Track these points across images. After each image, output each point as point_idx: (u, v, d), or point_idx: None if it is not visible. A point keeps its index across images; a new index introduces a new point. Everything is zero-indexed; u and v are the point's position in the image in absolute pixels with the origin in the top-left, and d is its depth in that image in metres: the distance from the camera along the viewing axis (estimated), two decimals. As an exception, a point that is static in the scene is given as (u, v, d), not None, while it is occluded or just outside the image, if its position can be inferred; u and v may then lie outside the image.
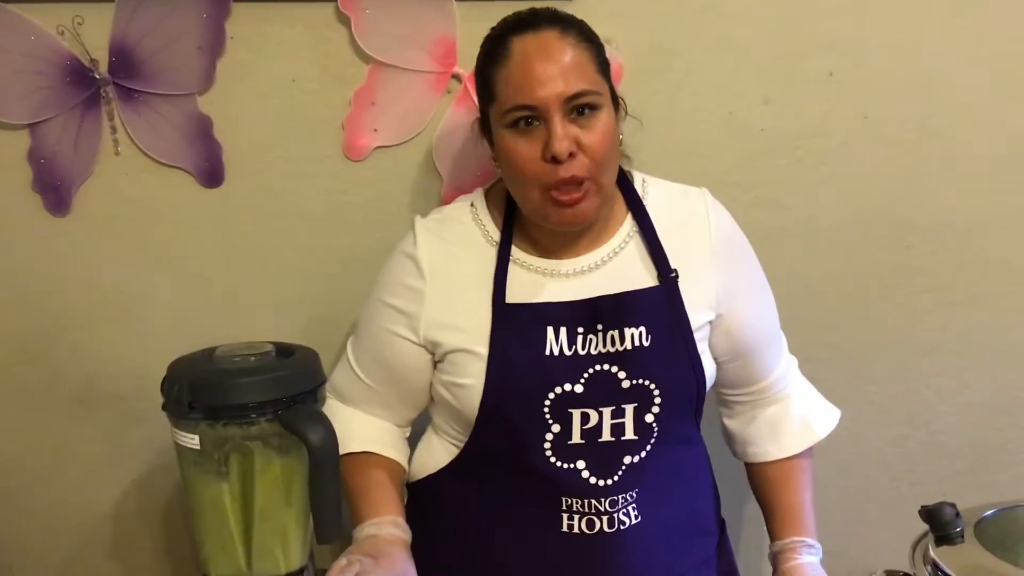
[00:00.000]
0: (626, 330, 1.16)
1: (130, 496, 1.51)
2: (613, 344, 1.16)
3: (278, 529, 1.04)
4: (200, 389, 0.99)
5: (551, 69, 1.09)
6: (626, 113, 1.20)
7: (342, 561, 1.05)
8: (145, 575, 1.55)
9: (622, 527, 1.18)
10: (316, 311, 1.45)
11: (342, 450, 1.12)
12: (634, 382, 1.16)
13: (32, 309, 1.42)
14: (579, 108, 1.10)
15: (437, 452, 1.24)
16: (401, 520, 1.18)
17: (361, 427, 1.23)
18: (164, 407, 1.02)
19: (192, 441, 1.00)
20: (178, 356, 1.10)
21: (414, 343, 1.19)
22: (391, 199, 1.44)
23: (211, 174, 1.40)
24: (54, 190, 1.38)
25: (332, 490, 1.01)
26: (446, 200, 1.41)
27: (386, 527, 1.15)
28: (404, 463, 1.26)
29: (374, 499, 1.18)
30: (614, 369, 1.16)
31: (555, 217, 1.14)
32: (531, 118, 1.11)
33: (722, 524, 1.36)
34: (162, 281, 1.43)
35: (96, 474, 1.49)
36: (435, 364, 1.21)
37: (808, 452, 1.31)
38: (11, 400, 1.45)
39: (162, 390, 1.02)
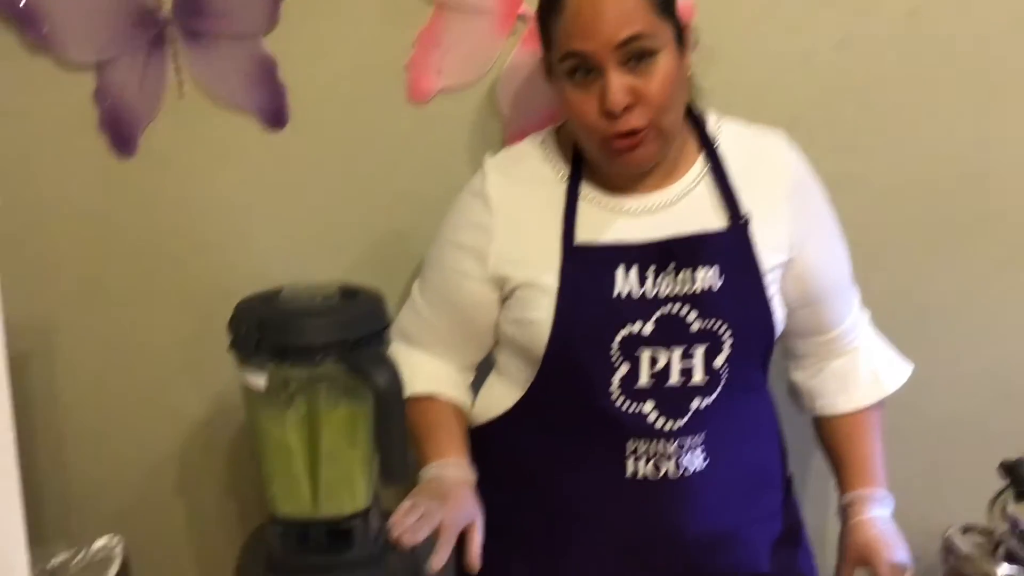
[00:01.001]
0: (698, 271, 1.15)
1: (196, 437, 1.53)
2: (684, 285, 1.15)
3: (344, 471, 1.04)
4: (267, 329, 0.99)
5: (603, 14, 1.07)
6: (696, 43, 1.17)
7: (406, 504, 1.05)
8: (209, 514, 1.57)
9: (687, 473, 1.17)
10: (379, 253, 1.44)
11: (407, 392, 1.11)
12: (704, 324, 1.15)
13: (97, 251, 1.43)
14: (635, 55, 1.08)
15: (500, 396, 1.24)
16: (465, 461, 1.18)
17: (426, 369, 1.23)
18: (231, 346, 1.02)
19: (259, 381, 1.00)
20: (242, 297, 1.10)
21: (483, 280, 1.18)
22: (454, 142, 1.43)
23: (275, 116, 1.40)
24: (120, 131, 1.38)
25: (398, 432, 1.01)
26: (508, 143, 1.39)
27: (451, 468, 1.15)
28: (468, 407, 1.26)
29: (439, 441, 1.18)
30: (684, 310, 1.14)
31: (615, 164, 1.15)
32: (587, 68, 1.09)
33: (789, 480, 1.33)
34: (225, 223, 1.43)
35: (163, 415, 1.51)
36: (502, 302, 1.20)
37: (878, 405, 1.29)
38: (81, 347, 1.46)
39: (229, 330, 1.02)
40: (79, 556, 1.10)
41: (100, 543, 1.11)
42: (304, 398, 1.01)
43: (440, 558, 1.05)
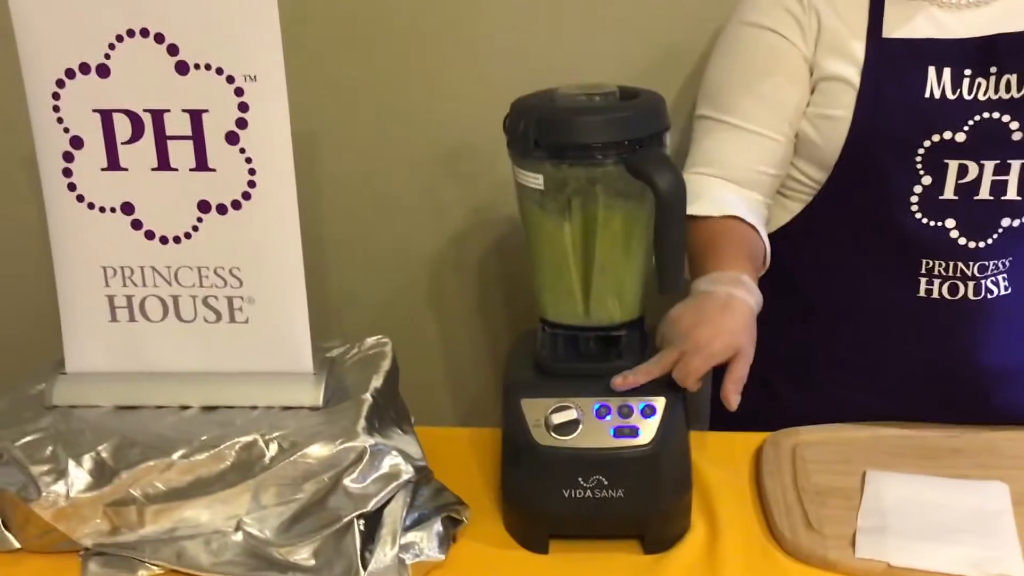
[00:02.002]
0: None
1: (447, 250, 1.56)
2: (1008, 90, 1.03)
3: (616, 279, 1.02)
4: (545, 126, 0.96)
5: None
6: None
7: (664, 358, 0.98)
8: (457, 325, 1.61)
9: (989, 296, 1.07)
10: (645, 58, 1.38)
11: (693, 211, 1.06)
12: None
13: (361, 58, 1.44)
14: None
15: (777, 209, 1.16)
16: (748, 278, 1.03)
17: (723, 190, 1.13)
18: (508, 144, 0.99)
19: (536, 181, 0.98)
20: (515, 98, 1.06)
21: (800, 55, 1.08)
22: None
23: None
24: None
25: (677, 240, 0.96)
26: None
27: (725, 285, 1.02)
28: (766, 241, 1.13)
29: (723, 254, 1.06)
30: (1005, 118, 1.03)
31: None
32: None
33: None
34: (483, 30, 1.40)
35: (416, 227, 1.54)
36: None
37: None
38: (343, 154, 1.49)
39: (505, 128, 0.99)
40: (354, 350, 1.13)
41: (372, 340, 1.14)
42: (580, 202, 0.98)
43: (634, 379, 0.97)
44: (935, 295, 1.09)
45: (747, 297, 1.02)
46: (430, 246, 1.55)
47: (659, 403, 0.99)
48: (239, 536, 0.98)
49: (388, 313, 1.59)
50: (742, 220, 1.11)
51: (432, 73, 1.43)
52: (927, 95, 1.04)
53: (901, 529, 0.99)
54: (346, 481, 0.96)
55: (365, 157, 1.49)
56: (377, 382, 1.07)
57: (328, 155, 1.49)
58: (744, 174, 1.14)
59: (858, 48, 1.06)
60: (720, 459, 1.13)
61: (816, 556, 0.97)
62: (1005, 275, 1.09)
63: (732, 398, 0.97)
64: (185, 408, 1.03)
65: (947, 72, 1.04)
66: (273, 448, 0.97)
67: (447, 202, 1.51)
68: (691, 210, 1.10)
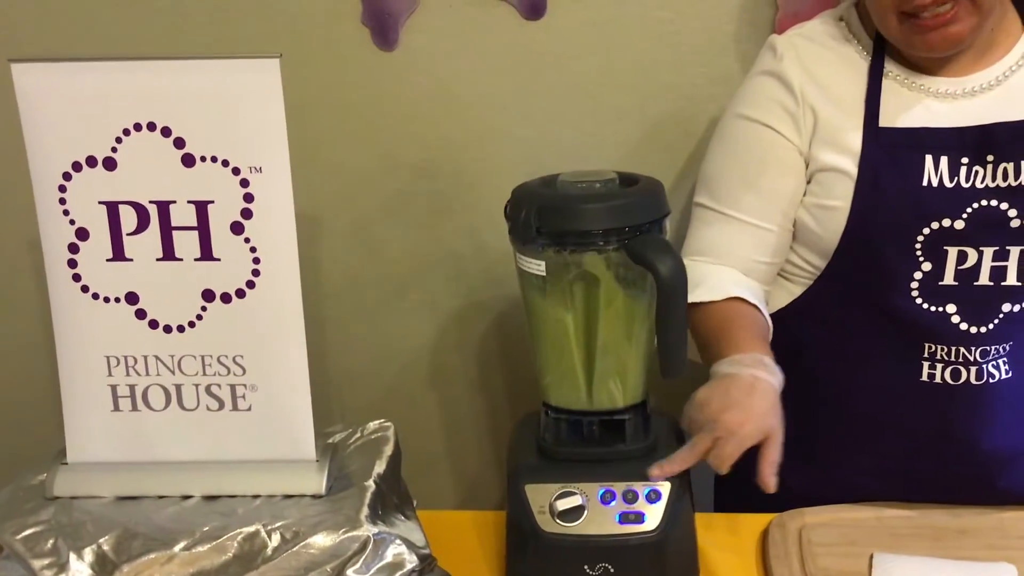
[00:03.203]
0: (1023, 163, 1.03)
1: (448, 332, 1.56)
2: (1005, 178, 1.04)
3: (619, 363, 1.02)
4: (547, 213, 0.97)
5: None
6: None
7: (697, 445, 0.98)
8: (459, 405, 1.60)
9: (991, 380, 1.08)
10: (643, 145, 1.40)
11: (698, 297, 1.07)
12: None
13: (362, 144, 1.46)
14: None
15: (778, 292, 1.17)
16: (770, 360, 1.04)
17: (724, 275, 1.14)
18: (510, 232, 1.00)
19: (538, 267, 0.99)
20: (514, 186, 1.08)
21: (794, 147, 1.10)
22: (718, 30, 1.35)
23: (533, 6, 1.36)
24: (382, 23, 1.39)
25: (678, 323, 0.97)
26: (780, 30, 1.30)
27: (748, 367, 1.02)
28: (769, 321, 1.14)
29: (736, 336, 1.06)
30: (1004, 206, 1.04)
31: (919, 43, 1.03)
32: None
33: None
34: (483, 116, 1.42)
35: (416, 306, 1.54)
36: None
37: None
38: (344, 236, 1.50)
39: (506, 215, 1.00)
40: (356, 435, 1.13)
41: (374, 425, 1.14)
42: (582, 287, 0.99)
43: (670, 468, 0.98)
44: (937, 380, 1.09)
45: (771, 378, 1.02)
46: (430, 326, 1.56)
47: (664, 488, 0.99)
48: (243, 629, 0.96)
49: (389, 394, 1.59)
50: (745, 301, 1.12)
51: (433, 157, 1.45)
52: (925, 183, 1.05)
53: (912, 614, 0.98)
54: (350, 571, 0.95)
55: (365, 239, 1.50)
56: (380, 468, 1.07)
57: (329, 237, 1.50)
58: (741, 263, 1.16)
59: (855, 139, 1.07)
60: (726, 542, 1.12)
61: (827, 643, 0.96)
62: (1006, 359, 1.09)
63: (770, 481, 0.97)
64: (187, 497, 1.02)
65: (944, 160, 1.05)
66: (276, 538, 0.96)
67: (447, 283, 1.52)
68: (694, 297, 1.11)
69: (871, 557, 1.07)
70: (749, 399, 0.99)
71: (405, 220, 1.48)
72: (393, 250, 1.51)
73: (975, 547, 1.09)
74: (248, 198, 0.96)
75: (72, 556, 0.95)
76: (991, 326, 1.07)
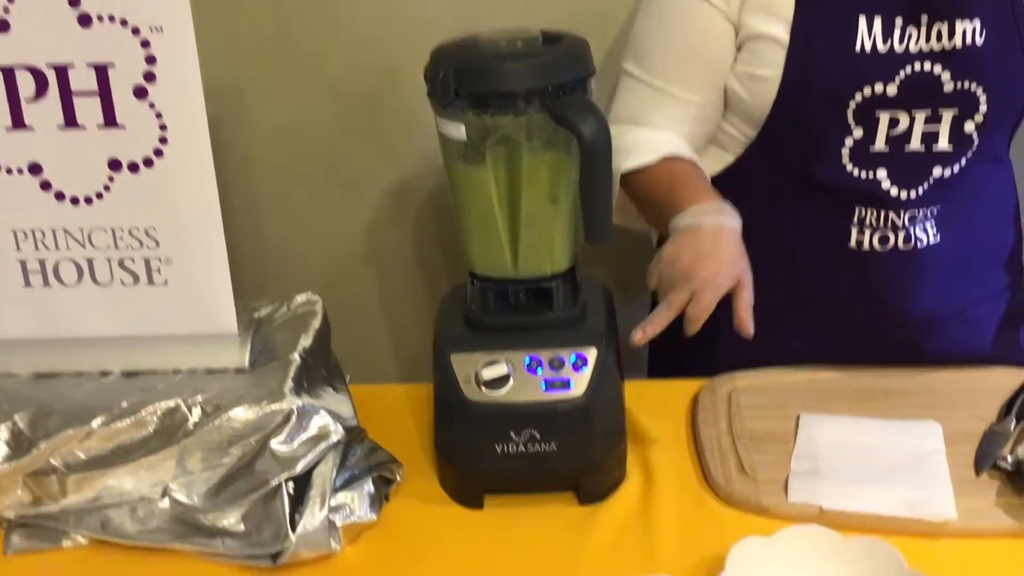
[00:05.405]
0: (957, 23, 1.01)
1: (384, 207, 1.53)
2: (939, 39, 1.01)
3: (544, 230, 0.99)
4: (466, 75, 0.93)
5: None
6: None
7: (674, 301, 0.95)
8: (397, 281, 1.58)
9: (919, 245, 1.07)
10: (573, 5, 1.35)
11: (634, 162, 1.05)
12: (959, 85, 1.02)
13: (282, 7, 1.39)
14: None
15: (708, 159, 1.15)
16: (728, 206, 1.02)
17: (659, 138, 1.12)
18: (429, 94, 0.96)
19: (458, 132, 0.95)
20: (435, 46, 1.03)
21: (724, 16, 1.06)
22: None
23: None
24: None
25: (603, 187, 0.94)
26: None
27: (710, 215, 0.99)
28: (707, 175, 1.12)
29: (688, 190, 1.03)
30: (936, 69, 1.02)
31: None
32: None
33: (1021, 265, 1.22)
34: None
35: (350, 181, 1.51)
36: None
37: None
38: (269, 110, 1.45)
39: (425, 77, 0.96)
40: (282, 309, 1.11)
41: (301, 298, 1.12)
42: (504, 152, 0.96)
43: (652, 329, 0.95)
44: (865, 246, 1.08)
45: (733, 223, 1.01)
46: (365, 201, 1.52)
47: (591, 354, 0.98)
48: (166, 503, 0.96)
49: (326, 273, 1.56)
50: (682, 158, 1.10)
51: (347, 25, 1.39)
52: (858, 48, 1.02)
53: (834, 472, 0.99)
54: (273, 444, 0.94)
55: (294, 109, 1.45)
56: (306, 341, 1.05)
57: (257, 108, 1.45)
58: (673, 125, 1.14)
59: (786, 4, 1.04)
60: (657, 408, 1.13)
61: (749, 502, 0.97)
62: (933, 223, 1.08)
63: (749, 325, 0.95)
64: (105, 374, 1.00)
65: (878, 21, 1.02)
66: (196, 412, 0.95)
67: (380, 155, 1.48)
68: (629, 163, 1.10)
69: (798, 418, 1.08)
70: (717, 248, 0.97)
71: (334, 89, 1.43)
72: (322, 122, 1.46)
73: (902, 406, 1.10)
74: (150, 60, 0.92)
75: (-15, 433, 0.93)
76: (921, 191, 1.06)
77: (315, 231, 1.55)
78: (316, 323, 1.09)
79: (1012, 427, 1.04)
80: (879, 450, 1.02)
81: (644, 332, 0.95)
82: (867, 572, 0.82)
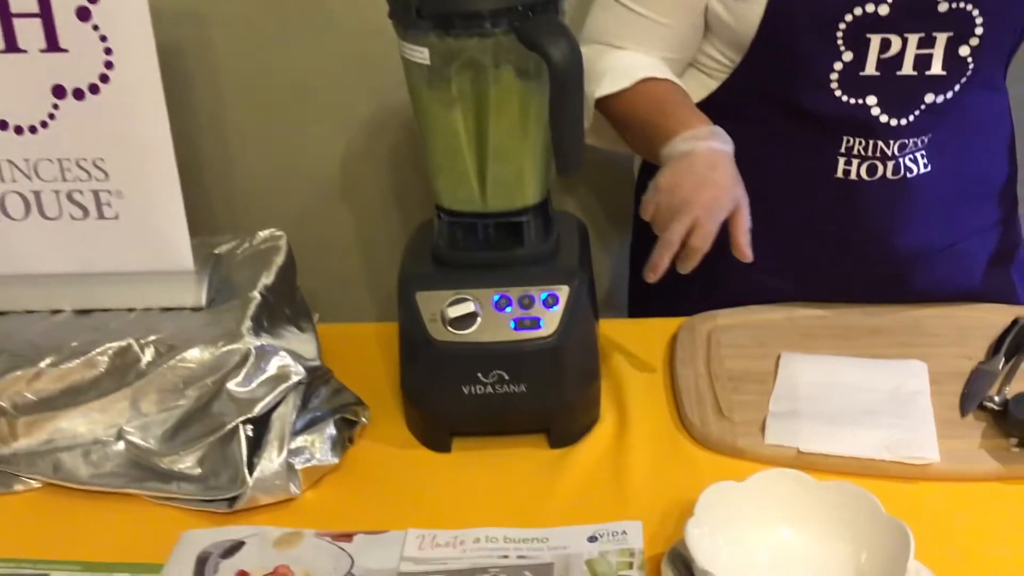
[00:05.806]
0: None
1: (357, 139, 1.47)
2: None
3: (514, 163, 0.95)
4: (429, -6, 0.87)
5: None
6: None
7: (676, 231, 0.90)
8: (373, 216, 1.54)
9: (908, 175, 1.02)
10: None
11: (610, 87, 1.00)
12: (954, 5, 0.96)
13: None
14: None
15: (690, 85, 1.09)
16: (720, 129, 0.98)
17: (637, 60, 1.07)
18: (390, 15, 0.91)
19: (422, 56, 0.90)
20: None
21: None
22: None
23: None
24: None
25: (574, 115, 0.89)
26: None
27: (704, 140, 0.95)
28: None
29: (677, 114, 0.99)
30: None
31: None
32: None
33: (1015, 198, 1.17)
34: None
35: (324, 119, 1.45)
36: None
37: None
38: (238, 38, 1.39)
39: (387, -2, 0.91)
40: (244, 244, 1.06)
41: (264, 234, 1.07)
42: (470, 77, 0.90)
43: (660, 268, 0.92)
44: (853, 176, 1.04)
45: (726, 147, 0.97)
46: (338, 134, 1.47)
47: (562, 292, 0.94)
48: (120, 446, 0.92)
49: (298, 209, 1.51)
50: (661, 80, 1.05)
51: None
52: None
53: (813, 413, 0.96)
54: (230, 385, 0.91)
55: (263, 42, 1.39)
56: (268, 279, 1.01)
57: (224, 35, 1.39)
58: (652, 46, 1.08)
59: None
60: (635, 347, 1.09)
61: (725, 444, 0.94)
62: (924, 152, 1.04)
63: (747, 250, 0.93)
64: (56, 312, 0.96)
65: None
66: (149, 353, 0.91)
67: (352, 86, 1.42)
68: (604, 88, 1.05)
69: (779, 357, 1.04)
70: (715, 173, 0.94)
71: (302, 21, 1.37)
72: (292, 55, 1.40)
73: (887, 345, 1.06)
74: (91, -22, 0.86)
75: (-72, 374, 0.89)
76: (912, 118, 1.01)
77: (288, 165, 1.49)
78: (279, 259, 1.05)
79: (1000, 366, 1.01)
80: (861, 390, 0.99)
81: (655, 269, 0.93)
82: (842, 517, 0.79)
